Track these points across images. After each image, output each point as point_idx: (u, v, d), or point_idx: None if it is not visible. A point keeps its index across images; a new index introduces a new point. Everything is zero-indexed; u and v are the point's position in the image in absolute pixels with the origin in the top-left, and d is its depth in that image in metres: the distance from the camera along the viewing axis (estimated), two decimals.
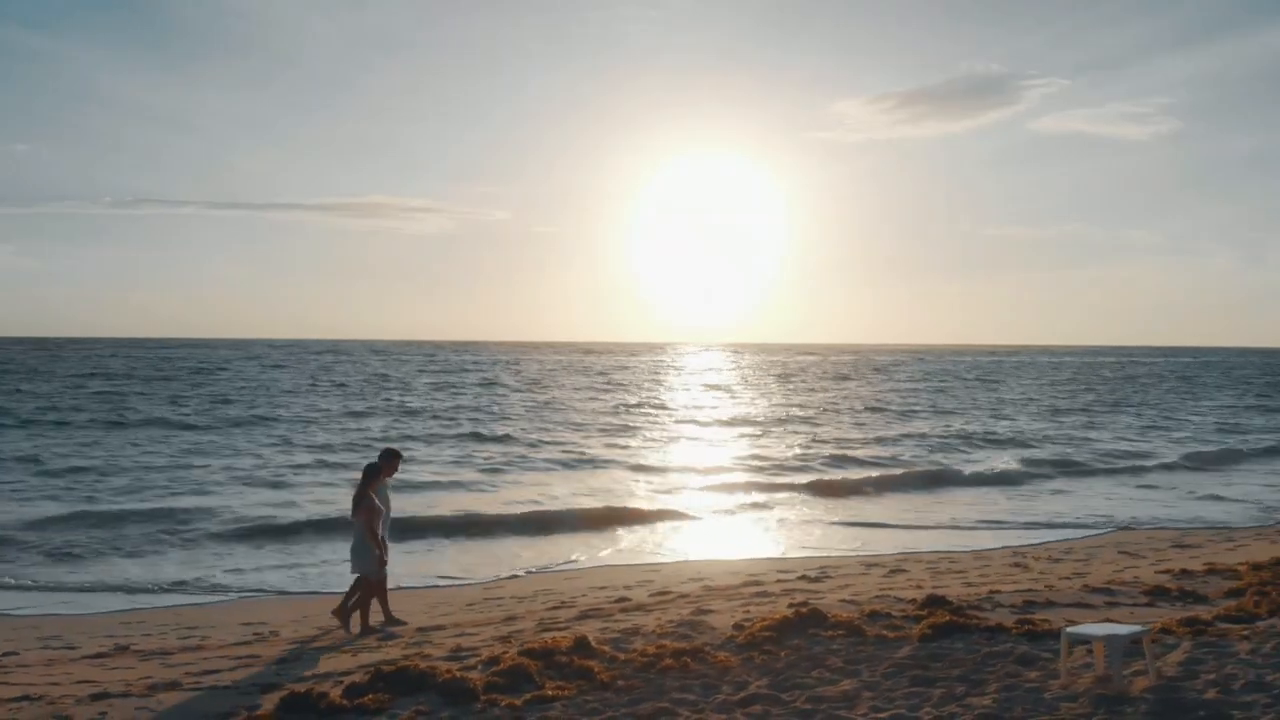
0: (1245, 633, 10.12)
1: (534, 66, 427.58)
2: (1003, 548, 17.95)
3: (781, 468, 29.67)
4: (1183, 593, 12.40)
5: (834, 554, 17.56)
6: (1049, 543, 18.43)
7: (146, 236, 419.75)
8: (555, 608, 12.79)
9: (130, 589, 15.04)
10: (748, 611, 11.49)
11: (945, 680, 8.33)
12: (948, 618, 10.63)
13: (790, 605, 11.30)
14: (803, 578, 14.61)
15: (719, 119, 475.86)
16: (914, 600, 11.65)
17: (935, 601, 11.43)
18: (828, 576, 14.75)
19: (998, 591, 12.58)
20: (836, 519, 21.67)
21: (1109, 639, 7.73)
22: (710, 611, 11.67)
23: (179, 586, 15.24)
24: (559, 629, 10.92)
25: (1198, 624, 10.56)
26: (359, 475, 12.55)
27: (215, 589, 15.15)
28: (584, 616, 11.92)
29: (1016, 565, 15.67)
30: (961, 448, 35.94)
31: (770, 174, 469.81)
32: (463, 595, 14.05)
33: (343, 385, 67.56)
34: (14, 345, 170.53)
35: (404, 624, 11.96)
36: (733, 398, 62.86)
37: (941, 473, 29.02)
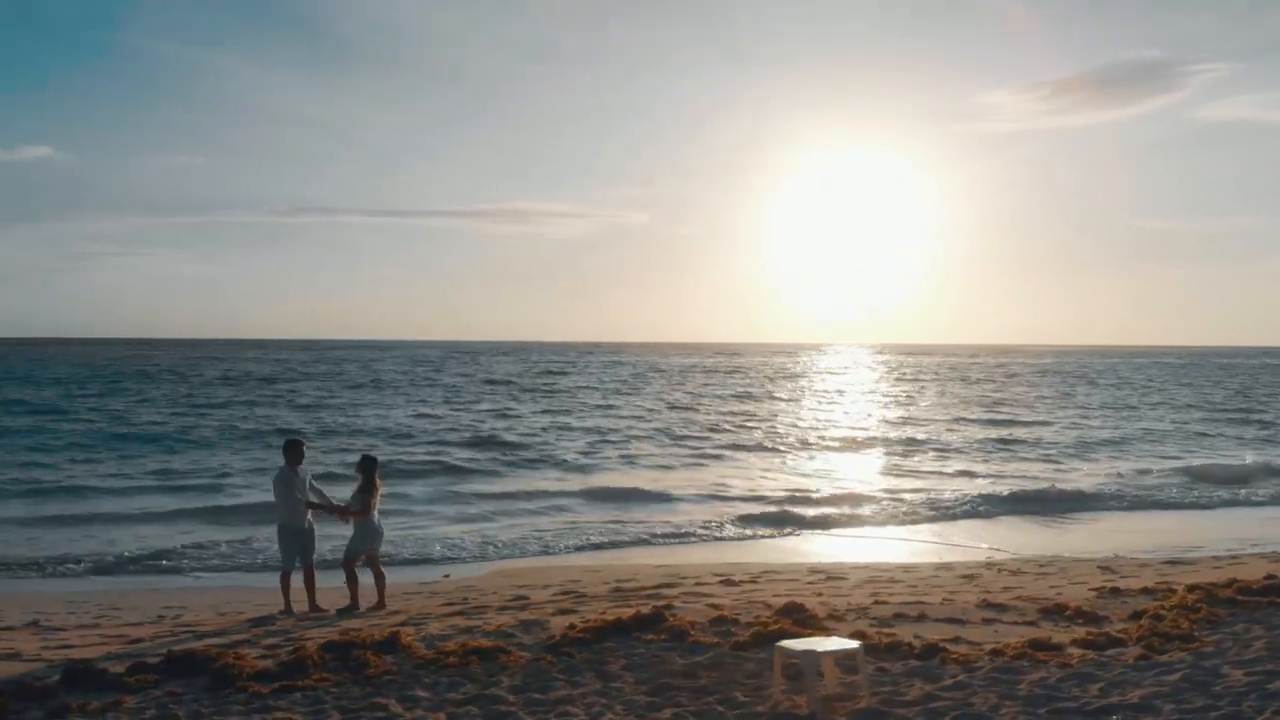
0: (1074, 660, 9.54)
1: (677, 68, 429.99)
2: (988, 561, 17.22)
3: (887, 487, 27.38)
4: (1080, 613, 11.69)
5: (798, 561, 17.28)
6: (1034, 558, 17.54)
7: (309, 243, 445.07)
8: (443, 604, 13.10)
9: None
10: (603, 613, 11.54)
11: (675, 689, 8.26)
12: (779, 626, 10.45)
13: (652, 608, 11.32)
14: (725, 582, 14.49)
15: (863, 113, 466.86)
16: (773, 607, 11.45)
17: (790, 610, 11.21)
18: (754, 582, 14.56)
19: (884, 603, 12.19)
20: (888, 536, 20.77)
21: (804, 655, 7.48)
22: (574, 611, 11.80)
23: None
24: (412, 624, 11.25)
25: (1041, 647, 10.01)
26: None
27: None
28: (455, 614, 12.17)
29: (966, 578, 15.04)
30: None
31: (918, 167, 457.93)
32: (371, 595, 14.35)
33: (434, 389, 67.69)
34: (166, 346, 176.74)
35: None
36: (866, 409, 57.19)
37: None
